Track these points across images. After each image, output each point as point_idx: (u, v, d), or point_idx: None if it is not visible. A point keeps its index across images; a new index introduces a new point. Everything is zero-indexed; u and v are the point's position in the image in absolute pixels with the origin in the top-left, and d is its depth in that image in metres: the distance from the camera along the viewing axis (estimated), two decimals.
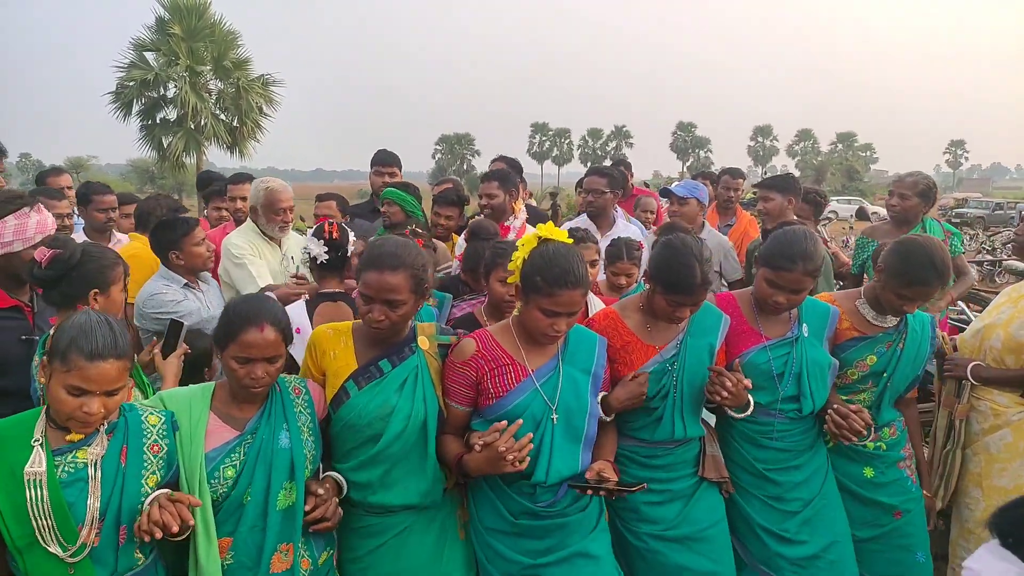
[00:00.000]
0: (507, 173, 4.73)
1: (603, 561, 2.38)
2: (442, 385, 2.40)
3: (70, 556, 1.84)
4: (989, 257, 12.02)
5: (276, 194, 4.05)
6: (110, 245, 4.39)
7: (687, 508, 2.60)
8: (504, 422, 2.16)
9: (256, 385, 2.14)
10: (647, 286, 2.59)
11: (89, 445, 1.93)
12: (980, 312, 3.15)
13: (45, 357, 1.92)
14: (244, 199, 4.58)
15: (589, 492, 2.30)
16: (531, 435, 2.18)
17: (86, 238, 4.20)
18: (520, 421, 2.18)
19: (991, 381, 2.96)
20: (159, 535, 1.84)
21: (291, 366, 2.51)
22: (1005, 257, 11.83)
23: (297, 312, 3.06)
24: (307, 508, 2.16)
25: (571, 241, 2.35)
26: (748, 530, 2.72)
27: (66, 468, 1.89)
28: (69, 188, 5.02)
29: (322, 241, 3.20)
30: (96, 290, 2.53)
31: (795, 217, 4.54)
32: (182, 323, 2.86)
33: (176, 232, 3.40)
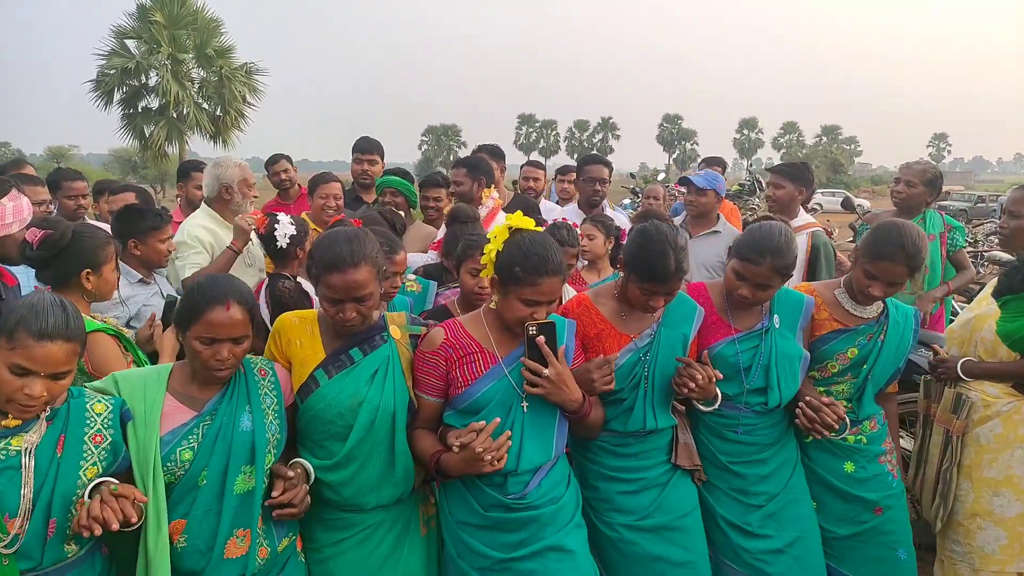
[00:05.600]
0: (478, 161, 4.68)
1: (578, 556, 2.30)
2: (412, 376, 2.35)
3: (3, 547, 1.74)
4: (971, 249, 12.11)
5: (247, 169, 4.04)
6: None
7: (661, 496, 2.55)
8: (483, 422, 2.12)
9: (222, 367, 2.04)
10: (622, 274, 2.53)
11: (26, 432, 1.84)
12: (966, 303, 3.11)
13: None
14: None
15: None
16: (509, 432, 2.13)
17: None
18: (498, 420, 2.13)
19: (983, 375, 2.92)
20: (98, 531, 1.73)
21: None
22: (987, 249, 11.92)
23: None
24: (276, 492, 2.06)
25: (540, 229, 2.29)
26: (712, 522, 2.69)
27: None
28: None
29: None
30: (88, 269, 2.53)
31: (801, 209, 4.47)
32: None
33: (145, 223, 3.23)
